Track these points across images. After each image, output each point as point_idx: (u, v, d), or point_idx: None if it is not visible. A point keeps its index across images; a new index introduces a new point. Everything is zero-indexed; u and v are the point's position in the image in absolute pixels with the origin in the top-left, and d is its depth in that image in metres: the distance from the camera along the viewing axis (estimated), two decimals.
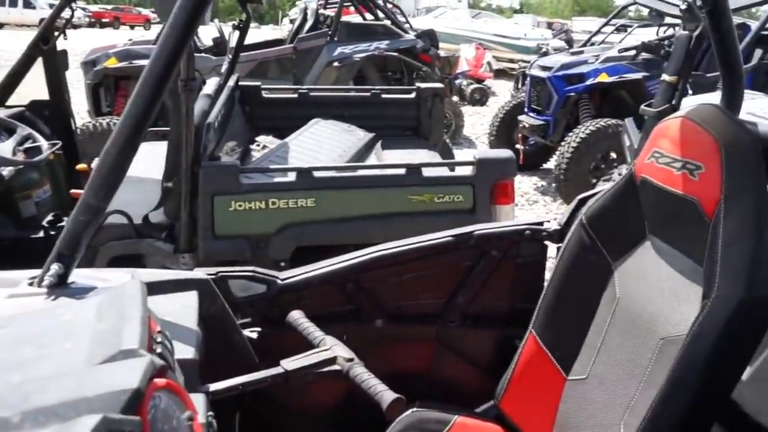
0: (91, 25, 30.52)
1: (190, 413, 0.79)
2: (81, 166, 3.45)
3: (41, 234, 3.36)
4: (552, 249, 1.62)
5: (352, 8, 7.68)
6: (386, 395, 1.12)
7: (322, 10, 6.87)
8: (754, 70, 5.47)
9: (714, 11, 1.35)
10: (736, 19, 6.90)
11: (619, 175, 3.00)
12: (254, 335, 1.46)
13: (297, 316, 1.37)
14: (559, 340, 1.41)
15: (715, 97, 1.76)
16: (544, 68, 6.20)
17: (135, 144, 1.02)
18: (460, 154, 5.39)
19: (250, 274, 1.46)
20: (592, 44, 6.83)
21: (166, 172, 2.64)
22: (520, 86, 8.70)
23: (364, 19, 7.13)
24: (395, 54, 6.21)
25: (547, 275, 1.53)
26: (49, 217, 3.44)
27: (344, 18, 6.79)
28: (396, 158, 3.39)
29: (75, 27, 27.96)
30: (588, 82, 5.90)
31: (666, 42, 5.94)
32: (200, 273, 1.33)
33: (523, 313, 1.53)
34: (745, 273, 0.99)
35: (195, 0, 0.99)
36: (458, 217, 2.72)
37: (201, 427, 0.82)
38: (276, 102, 3.98)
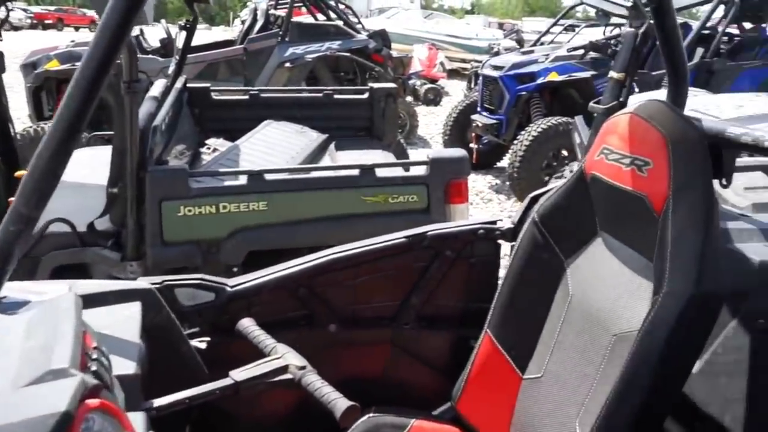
0: (33, 26, 29.53)
1: None
2: (20, 172, 3.30)
3: None
4: (506, 248, 1.61)
5: (304, 9, 7.61)
6: (340, 403, 1.09)
7: (272, 11, 6.77)
8: (696, 68, 5.64)
9: (659, 9, 1.36)
10: (678, 19, 7.11)
11: (571, 172, 3.04)
12: (203, 345, 1.41)
13: (247, 324, 1.33)
14: (514, 339, 1.41)
15: (660, 95, 1.79)
16: (496, 68, 6.27)
17: (68, 149, 0.96)
18: (415, 154, 5.39)
19: (198, 281, 1.41)
20: (542, 44, 6.94)
21: (111, 177, 2.55)
22: (472, 86, 8.78)
23: (316, 19, 7.07)
24: (347, 54, 6.18)
25: (502, 274, 1.53)
26: None
27: (295, 18, 6.72)
28: (350, 159, 3.36)
29: (16, 29, 27.04)
30: (538, 81, 5.99)
31: (612, 41, 6.07)
32: (143, 282, 1.27)
33: (478, 313, 1.53)
34: (693, 268, 1.00)
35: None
36: (413, 218, 2.71)
37: None
38: (226, 104, 3.90)
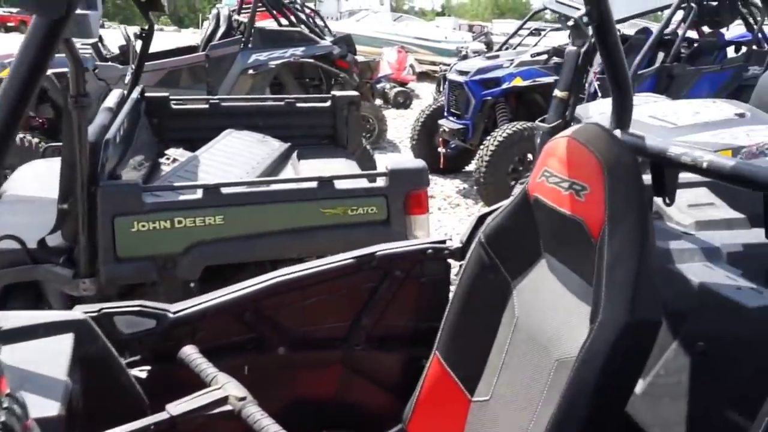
0: None
1: None
2: None
3: None
4: (457, 267, 1.60)
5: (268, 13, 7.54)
6: None
7: (236, 17, 6.69)
8: (657, 72, 5.73)
9: (600, 27, 1.37)
10: (640, 23, 7.23)
11: None
12: (144, 374, 1.37)
13: (189, 352, 1.30)
14: (463, 360, 1.40)
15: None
16: (462, 73, 6.29)
17: None
18: (383, 159, 5.37)
19: (138, 308, 1.37)
20: (508, 48, 6.98)
21: (61, 192, 2.48)
22: (441, 89, 8.81)
23: (280, 25, 7.01)
24: (311, 61, 6.14)
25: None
26: None
27: (259, 24, 6.65)
28: (312, 168, 3.33)
29: None
30: (503, 87, 6.02)
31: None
32: (77, 313, 1.23)
33: (428, 333, 1.51)
34: (627, 296, 1.00)
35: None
36: (373, 229, 2.70)
37: None
38: (186, 113, 3.84)
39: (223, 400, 1.14)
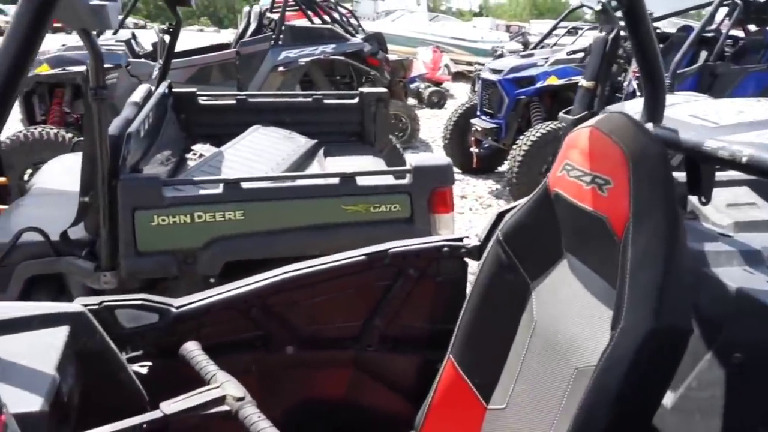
0: None
1: None
2: (0, 179, 3.25)
3: None
4: (475, 266, 1.52)
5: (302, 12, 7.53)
6: None
7: (269, 14, 6.69)
8: (699, 71, 5.52)
9: (630, 11, 1.27)
10: (680, 22, 6.99)
11: None
12: (144, 370, 1.33)
13: (190, 348, 1.25)
14: (478, 366, 1.32)
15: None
16: (495, 71, 6.17)
17: None
18: (413, 158, 5.28)
19: (140, 302, 1.33)
20: (543, 47, 6.83)
21: (83, 185, 2.48)
22: (476, 89, 8.69)
23: (312, 23, 6.99)
24: (342, 58, 6.09)
25: None
26: None
27: (291, 22, 6.64)
28: (338, 165, 3.28)
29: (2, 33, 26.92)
30: (538, 85, 5.89)
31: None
32: (74, 305, 1.19)
33: (444, 335, 1.43)
34: (652, 300, 0.90)
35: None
36: (396, 227, 2.62)
37: None
38: (213, 109, 3.83)
39: (220, 400, 1.09)
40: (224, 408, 1.08)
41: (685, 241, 0.97)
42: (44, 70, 5.05)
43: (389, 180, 2.74)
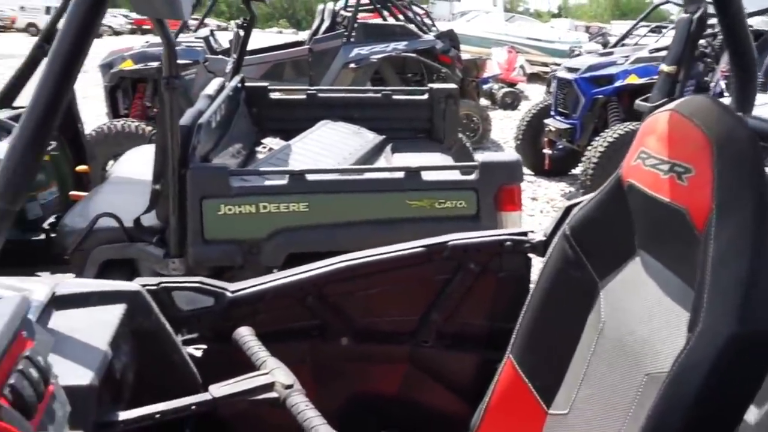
0: (132, 31, 31.18)
1: None
2: (82, 167, 3.39)
3: (42, 236, 3.31)
4: (539, 263, 1.44)
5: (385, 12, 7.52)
6: (321, 431, 0.97)
7: (342, 12, 6.74)
8: None
9: None
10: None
11: None
12: (199, 353, 1.33)
13: (243, 333, 1.23)
14: (540, 367, 1.24)
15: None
16: (571, 70, 5.98)
17: (39, 145, 0.92)
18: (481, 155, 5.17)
19: (196, 285, 1.33)
20: (624, 46, 6.56)
21: (155, 173, 2.55)
22: (551, 90, 8.47)
23: (384, 20, 6.99)
24: (413, 55, 6.04)
25: None
26: (51, 219, 3.38)
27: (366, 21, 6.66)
28: (406, 161, 3.25)
29: (117, 33, 28.72)
30: (616, 84, 5.65)
31: (702, 41, 5.64)
32: (133, 284, 1.20)
33: (504, 335, 1.36)
34: (735, 301, 0.81)
35: None
36: (461, 224, 2.55)
37: None
38: (284, 103, 3.88)
39: (269, 387, 1.07)
40: (272, 395, 1.06)
41: None
42: (128, 65, 5.28)
43: (455, 176, 2.67)
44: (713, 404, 0.83)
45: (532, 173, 6.58)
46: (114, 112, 5.67)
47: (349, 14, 6.37)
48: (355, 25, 6.04)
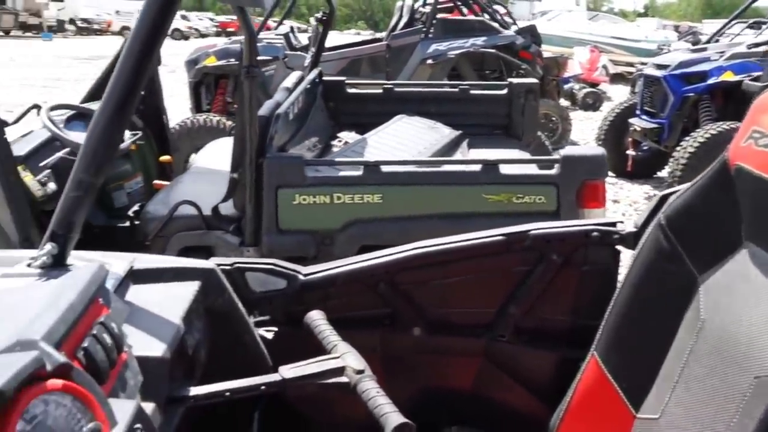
0: (218, 33, 32.40)
1: (96, 425, 0.64)
2: (165, 158, 3.50)
3: (127, 223, 3.44)
4: (628, 256, 1.34)
5: (464, 9, 7.43)
6: (392, 417, 0.92)
7: (421, 8, 6.69)
8: None
9: None
10: None
11: None
12: (270, 335, 1.32)
13: (315, 317, 1.21)
14: (628, 367, 1.15)
15: None
16: (660, 66, 5.68)
17: (120, 123, 0.97)
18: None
19: (269, 267, 1.32)
20: (717, 42, 6.18)
21: (233, 162, 2.59)
22: (636, 90, 8.13)
23: (463, 15, 6.88)
24: (492, 51, 5.91)
25: None
26: (135, 207, 3.51)
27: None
28: (482, 157, 3.17)
29: (203, 35, 29.98)
30: (710, 82, 5.32)
31: None
32: (208, 262, 1.20)
33: (588, 332, 1.28)
34: None
35: None
36: (540, 220, 2.45)
37: None
38: (360, 97, 3.87)
39: (339, 371, 1.03)
40: (343, 379, 1.03)
41: None
42: (211, 62, 5.45)
43: (535, 170, 2.57)
44: None
45: (614, 175, 6.31)
46: (197, 107, 5.85)
47: (428, 9, 6.33)
48: (434, 20, 5.97)
